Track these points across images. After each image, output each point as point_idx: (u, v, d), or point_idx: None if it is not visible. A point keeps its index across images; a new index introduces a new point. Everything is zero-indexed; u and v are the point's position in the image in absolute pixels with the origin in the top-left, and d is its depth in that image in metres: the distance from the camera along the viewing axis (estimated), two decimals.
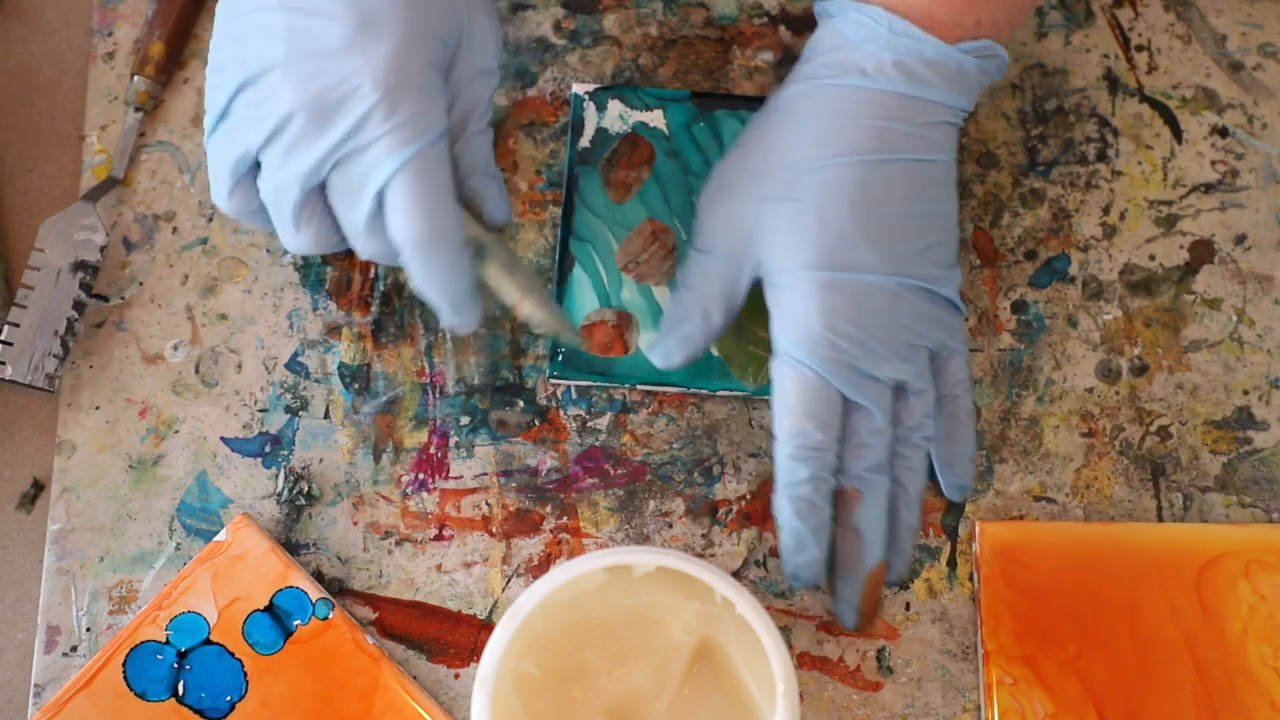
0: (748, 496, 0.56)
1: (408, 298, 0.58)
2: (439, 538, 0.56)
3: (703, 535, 0.56)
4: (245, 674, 0.53)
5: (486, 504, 0.56)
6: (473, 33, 0.50)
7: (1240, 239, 0.59)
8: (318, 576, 0.55)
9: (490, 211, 0.52)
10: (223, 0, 0.49)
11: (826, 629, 0.55)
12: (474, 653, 0.55)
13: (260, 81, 0.46)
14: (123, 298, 0.58)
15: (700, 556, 0.55)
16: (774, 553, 0.56)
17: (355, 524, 0.56)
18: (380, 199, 0.47)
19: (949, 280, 0.53)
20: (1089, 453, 0.57)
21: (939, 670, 0.54)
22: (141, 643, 0.53)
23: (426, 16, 0.47)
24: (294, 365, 0.57)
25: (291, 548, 0.55)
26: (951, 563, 0.55)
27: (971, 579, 0.55)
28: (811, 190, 0.51)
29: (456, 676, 0.54)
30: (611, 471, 0.56)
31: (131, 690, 0.52)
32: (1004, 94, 0.61)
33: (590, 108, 0.59)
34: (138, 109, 0.59)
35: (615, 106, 0.59)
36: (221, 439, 0.57)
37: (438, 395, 0.57)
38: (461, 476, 0.56)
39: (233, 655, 0.53)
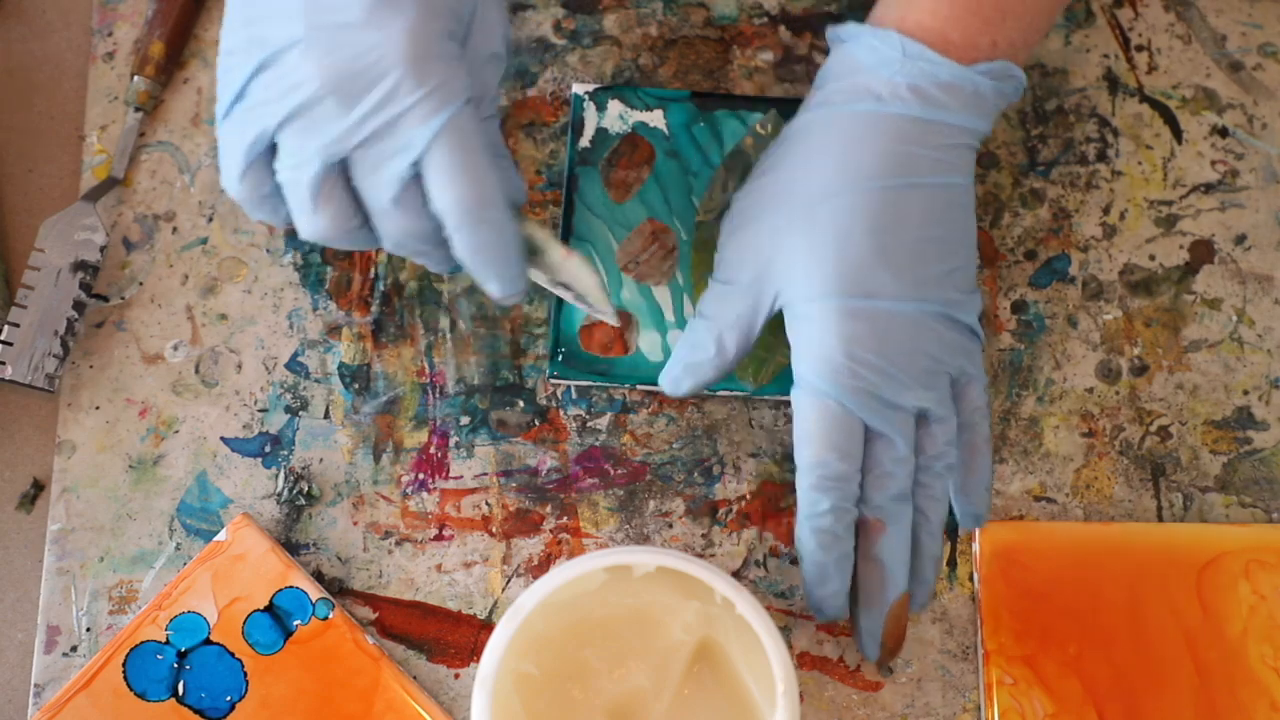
0: (748, 496, 0.56)
1: (408, 297, 0.58)
2: (439, 538, 0.56)
3: (703, 535, 0.56)
4: (245, 674, 0.53)
5: (486, 504, 0.56)
6: (484, 15, 0.49)
7: (1240, 239, 0.59)
8: (318, 576, 0.55)
9: (506, 192, 0.52)
10: None
11: (826, 629, 0.55)
12: (474, 653, 0.55)
13: (280, 60, 0.46)
14: (123, 298, 0.58)
15: (700, 556, 0.55)
16: (774, 553, 0.56)
17: (355, 524, 0.56)
18: (415, 170, 0.46)
19: (969, 305, 0.52)
20: (1089, 453, 0.57)
21: (939, 670, 0.54)
22: (141, 643, 0.53)
23: None
24: (294, 365, 0.57)
25: (291, 548, 0.55)
26: (951, 563, 0.55)
27: (971, 579, 0.55)
28: (828, 218, 0.50)
29: (456, 676, 0.54)
30: (611, 471, 0.56)
31: (131, 690, 0.52)
32: None
33: (590, 108, 0.59)
34: (138, 109, 0.59)
35: (615, 106, 0.59)
36: (221, 439, 0.57)
37: (438, 395, 0.57)
38: (461, 476, 0.56)
39: (233, 655, 0.53)
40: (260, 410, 0.57)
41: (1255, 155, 0.60)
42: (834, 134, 0.51)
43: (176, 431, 0.57)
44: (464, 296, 0.58)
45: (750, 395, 0.56)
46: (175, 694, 0.53)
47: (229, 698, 0.53)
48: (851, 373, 0.49)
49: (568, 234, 0.58)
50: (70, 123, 0.61)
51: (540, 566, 0.55)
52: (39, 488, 0.57)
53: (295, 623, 0.53)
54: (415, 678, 0.54)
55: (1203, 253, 0.59)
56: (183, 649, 0.53)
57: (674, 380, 0.53)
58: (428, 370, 0.57)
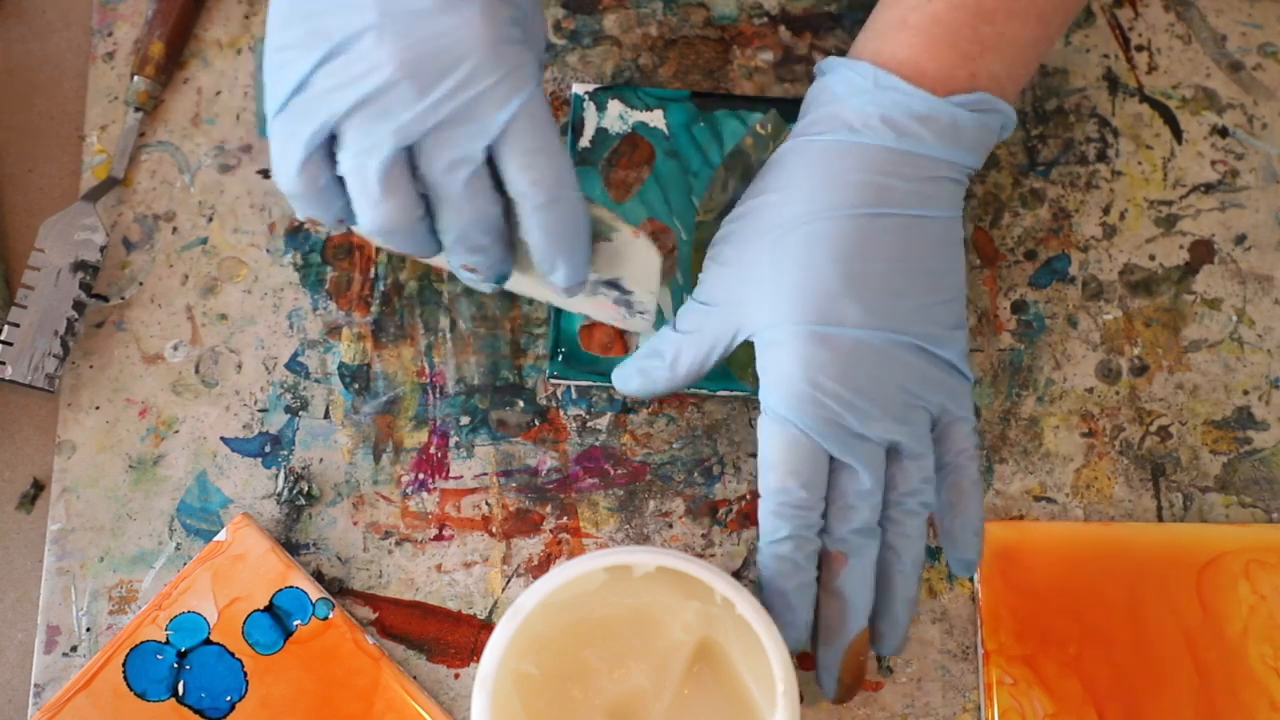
0: (748, 496, 0.56)
1: (408, 297, 0.58)
2: (439, 538, 0.56)
3: (703, 535, 0.56)
4: (245, 674, 0.53)
5: (486, 504, 0.56)
6: (533, 6, 0.49)
7: (1240, 239, 0.59)
8: (318, 576, 0.55)
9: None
10: None
11: None
12: (474, 653, 0.55)
13: (351, 48, 0.45)
14: (123, 298, 0.58)
15: (700, 556, 0.55)
16: None
17: (355, 524, 0.56)
18: (487, 153, 0.46)
19: (951, 342, 0.51)
20: (1089, 453, 0.57)
21: (939, 670, 0.54)
22: (141, 643, 0.53)
23: None
24: (294, 365, 0.57)
25: (291, 548, 0.55)
26: None
27: (971, 579, 0.55)
28: (796, 245, 0.50)
29: (456, 676, 0.54)
30: (611, 471, 0.56)
31: (131, 690, 0.52)
32: None
33: (590, 108, 0.59)
34: (138, 109, 0.59)
35: (615, 106, 0.59)
36: (221, 439, 0.57)
37: (438, 395, 0.57)
38: (461, 476, 0.56)
39: (233, 655, 0.53)
40: (260, 410, 0.57)
41: (1255, 155, 0.60)
42: (807, 163, 0.51)
43: (176, 431, 0.57)
44: (464, 296, 0.58)
45: (750, 395, 0.56)
46: (175, 694, 0.53)
47: (229, 698, 0.53)
48: (814, 400, 0.49)
49: None
50: (70, 123, 0.61)
51: (540, 566, 0.55)
52: (39, 488, 0.57)
53: (295, 623, 0.53)
54: (415, 678, 0.54)
55: (1203, 253, 0.59)
56: (183, 649, 0.53)
57: (624, 378, 0.54)
58: (428, 370, 0.57)
